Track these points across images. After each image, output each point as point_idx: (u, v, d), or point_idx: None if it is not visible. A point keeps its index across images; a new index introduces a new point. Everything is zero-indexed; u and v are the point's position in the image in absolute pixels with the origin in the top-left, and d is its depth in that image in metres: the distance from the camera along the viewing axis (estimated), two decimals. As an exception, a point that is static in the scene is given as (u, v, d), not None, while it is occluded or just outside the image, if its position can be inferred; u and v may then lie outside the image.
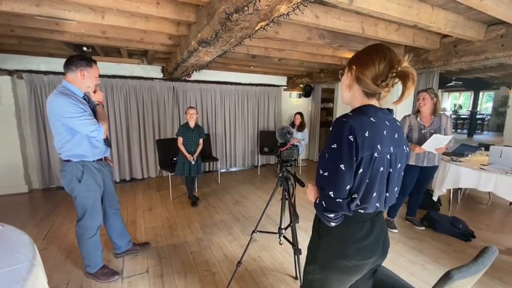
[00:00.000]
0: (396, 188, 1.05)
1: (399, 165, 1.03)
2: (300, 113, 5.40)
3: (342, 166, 0.90)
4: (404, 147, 1.05)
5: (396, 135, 1.01)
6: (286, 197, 1.59)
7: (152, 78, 4.81)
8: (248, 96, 5.80)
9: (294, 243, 1.54)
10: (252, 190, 4.53)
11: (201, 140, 3.79)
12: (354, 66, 0.99)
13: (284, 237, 1.77)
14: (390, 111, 1.07)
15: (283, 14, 1.44)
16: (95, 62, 1.97)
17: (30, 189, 4.25)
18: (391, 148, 0.97)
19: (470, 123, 11.35)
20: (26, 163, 4.20)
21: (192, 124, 3.67)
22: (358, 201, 0.95)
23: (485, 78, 8.14)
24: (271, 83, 6.06)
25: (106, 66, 4.35)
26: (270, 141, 5.78)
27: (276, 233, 1.81)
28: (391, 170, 0.99)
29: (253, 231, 1.78)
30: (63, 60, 1.91)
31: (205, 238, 2.86)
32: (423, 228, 3.09)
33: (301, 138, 5.25)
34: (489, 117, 12.62)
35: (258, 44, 3.10)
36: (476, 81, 8.79)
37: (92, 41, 3.03)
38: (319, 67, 4.92)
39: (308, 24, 2.26)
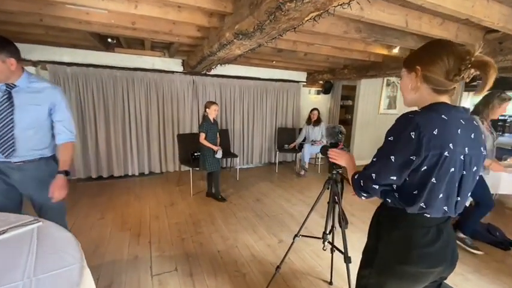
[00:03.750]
0: (469, 193, 0.97)
1: (475, 168, 0.93)
2: (317, 109, 5.40)
3: (392, 157, 0.89)
4: (481, 149, 0.96)
5: (473, 136, 0.92)
6: (336, 200, 1.49)
7: (172, 72, 4.74)
8: (267, 92, 5.68)
9: (344, 251, 1.44)
10: (271, 188, 4.44)
11: (217, 134, 3.77)
12: (418, 67, 0.93)
13: (329, 243, 1.68)
14: (466, 110, 0.97)
15: (344, 3, 1.32)
16: None
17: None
18: (466, 149, 0.89)
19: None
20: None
21: (212, 119, 3.64)
22: (422, 204, 0.89)
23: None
24: (291, 79, 5.91)
25: (128, 59, 4.31)
26: (287, 138, 5.67)
27: (320, 238, 1.72)
28: (465, 173, 0.91)
29: (296, 235, 1.69)
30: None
31: (230, 236, 2.79)
32: (479, 252, 2.64)
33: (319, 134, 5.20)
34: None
35: (288, 37, 2.96)
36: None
37: (119, 32, 2.96)
38: (344, 63, 4.74)
39: (350, 16, 2.12)
